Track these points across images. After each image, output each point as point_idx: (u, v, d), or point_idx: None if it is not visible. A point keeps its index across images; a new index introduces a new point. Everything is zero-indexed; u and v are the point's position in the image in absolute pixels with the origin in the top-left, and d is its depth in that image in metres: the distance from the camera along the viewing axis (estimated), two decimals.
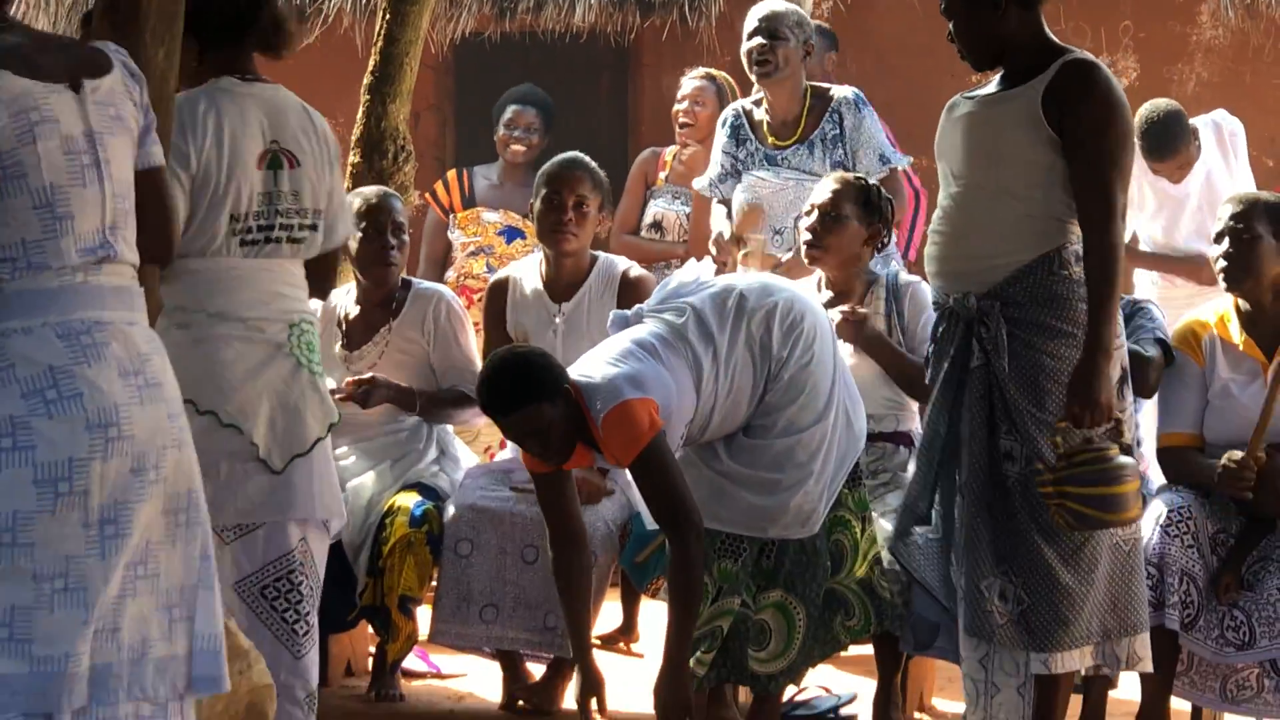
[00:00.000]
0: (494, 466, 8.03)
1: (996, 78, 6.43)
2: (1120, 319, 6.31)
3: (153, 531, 4.56)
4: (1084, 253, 6.17)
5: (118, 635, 4.52)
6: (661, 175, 10.40)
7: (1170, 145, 9.14)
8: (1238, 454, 6.77)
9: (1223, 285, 7.03)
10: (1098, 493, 6.12)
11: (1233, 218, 6.96)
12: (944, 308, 6.40)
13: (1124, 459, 6.20)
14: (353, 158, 9.38)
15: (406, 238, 7.95)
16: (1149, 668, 6.56)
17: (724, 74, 10.22)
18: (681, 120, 10.26)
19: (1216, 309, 7.16)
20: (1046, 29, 6.37)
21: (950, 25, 6.37)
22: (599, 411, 6.51)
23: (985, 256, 6.26)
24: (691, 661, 6.74)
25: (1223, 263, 6.97)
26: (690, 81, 10.32)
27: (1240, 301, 7.03)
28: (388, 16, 9.54)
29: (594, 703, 6.91)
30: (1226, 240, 6.95)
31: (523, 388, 6.53)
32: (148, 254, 4.76)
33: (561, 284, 7.93)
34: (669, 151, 10.45)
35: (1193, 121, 9.57)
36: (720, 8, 12.39)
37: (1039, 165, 6.22)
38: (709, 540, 6.70)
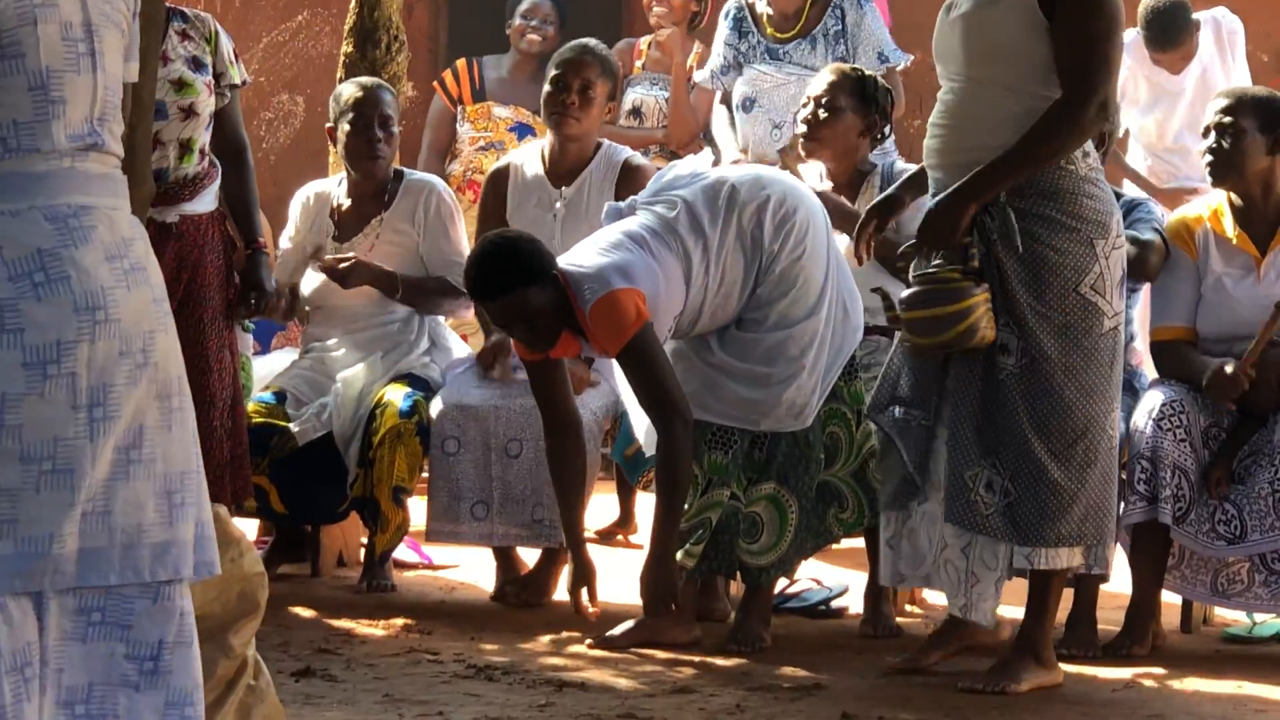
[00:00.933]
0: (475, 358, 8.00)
1: None
2: (1118, 215, 6.31)
3: (146, 416, 4.55)
4: (1043, 114, 6.13)
5: (109, 518, 4.50)
6: (638, 64, 10.37)
7: (1174, 35, 9.09)
8: (1230, 365, 6.76)
9: (1208, 179, 7.02)
10: (930, 314, 6.16)
11: (1220, 111, 6.95)
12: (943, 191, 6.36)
13: (964, 281, 6.19)
14: (345, 47, 9.35)
15: (396, 130, 7.91)
16: (1108, 571, 6.59)
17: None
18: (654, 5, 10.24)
19: (1210, 203, 7.15)
20: None
21: None
22: (587, 300, 6.51)
23: (989, 149, 6.19)
24: (681, 553, 6.77)
25: (1209, 157, 6.96)
26: None
27: (1233, 196, 7.01)
28: None
29: (584, 592, 6.93)
30: (1213, 135, 6.94)
31: (510, 271, 6.54)
32: None
33: (564, 169, 7.90)
34: (644, 41, 10.43)
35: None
36: None
37: (1037, 59, 6.18)
38: (699, 432, 6.71)
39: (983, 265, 6.21)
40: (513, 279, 6.52)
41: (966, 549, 6.36)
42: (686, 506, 6.78)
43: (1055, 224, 6.19)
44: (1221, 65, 9.43)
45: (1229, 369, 6.77)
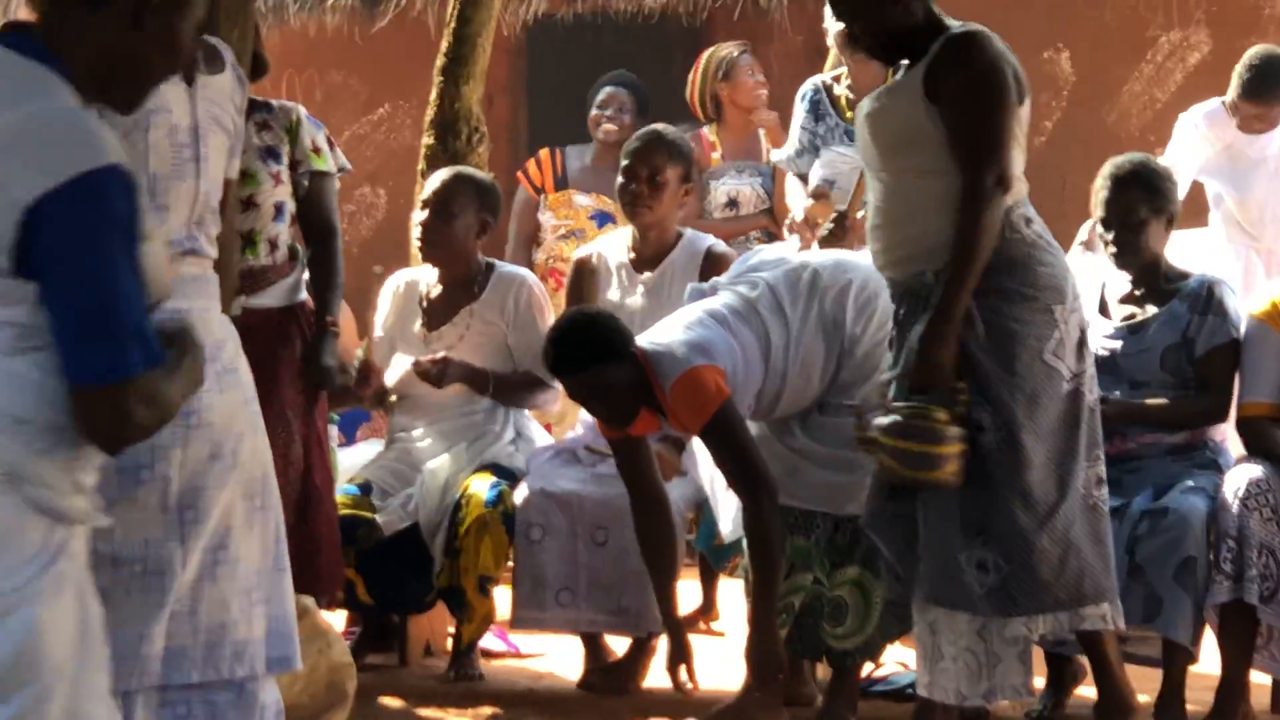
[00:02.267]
0: (562, 444, 8.01)
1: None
2: (1072, 278, 6.30)
3: (232, 517, 4.59)
4: (956, 214, 6.10)
5: (194, 618, 4.54)
6: (714, 155, 10.40)
7: (1270, 85, 9.02)
8: None
9: None
10: (908, 448, 6.07)
11: None
12: (901, 291, 6.34)
13: (949, 426, 6.11)
14: (426, 139, 9.40)
15: (463, 219, 7.86)
16: (1121, 627, 6.49)
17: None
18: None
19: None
20: (936, 9, 6.34)
21: (845, 28, 6.36)
22: (667, 377, 6.56)
23: (931, 234, 6.17)
24: None
25: None
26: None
27: None
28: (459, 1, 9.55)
29: (683, 671, 6.95)
30: None
31: (588, 347, 6.61)
32: None
33: (646, 256, 7.93)
34: (708, 130, 10.48)
35: None
36: None
37: (937, 142, 6.17)
38: (782, 516, 6.71)
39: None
40: (590, 356, 6.58)
41: (983, 631, 6.31)
42: None
43: (1014, 295, 6.16)
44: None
45: None
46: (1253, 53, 9.12)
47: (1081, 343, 6.28)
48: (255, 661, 4.63)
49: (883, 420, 6.11)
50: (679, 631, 7.04)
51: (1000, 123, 6.17)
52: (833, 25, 8.80)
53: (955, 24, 6.30)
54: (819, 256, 7.23)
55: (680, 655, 7.01)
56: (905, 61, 6.35)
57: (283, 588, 4.72)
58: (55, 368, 3.42)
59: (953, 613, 6.27)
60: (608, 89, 10.76)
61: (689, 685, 7.01)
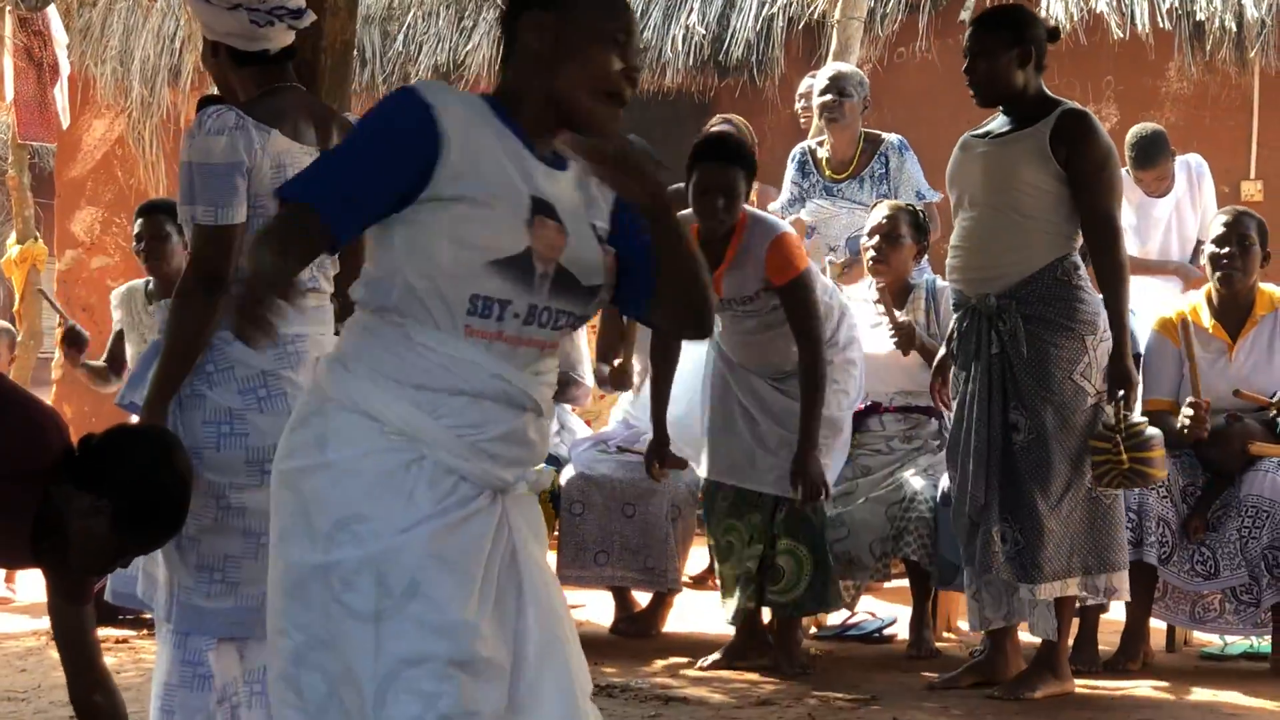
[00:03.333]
0: (598, 437, 8.01)
1: (997, 120, 6.41)
2: (1104, 314, 6.30)
3: None
4: (1097, 269, 6.24)
5: None
6: None
7: (1154, 155, 9.01)
8: (1189, 407, 6.76)
9: (1216, 280, 7.00)
10: (1151, 456, 6.16)
11: (1230, 225, 6.98)
12: (967, 306, 6.38)
13: (1155, 429, 6.26)
14: None
15: None
16: (1126, 598, 6.61)
17: (740, 119, 10.17)
18: None
19: (1190, 300, 7.16)
20: (1044, 85, 6.35)
21: (968, 63, 6.33)
22: (770, 229, 6.78)
23: (1003, 265, 6.28)
24: (734, 598, 6.88)
25: (1224, 262, 6.95)
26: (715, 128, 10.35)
27: (1213, 294, 6.99)
28: None
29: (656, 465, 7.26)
30: (1231, 246, 6.93)
31: (744, 153, 6.79)
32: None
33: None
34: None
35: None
36: (782, 69, 12.37)
37: (1045, 191, 6.24)
38: (743, 496, 6.80)
39: (997, 359, 6.24)
40: (741, 158, 6.71)
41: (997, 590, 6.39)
42: (733, 561, 6.92)
43: (1055, 325, 6.24)
44: (1192, 200, 9.35)
45: (1189, 410, 6.75)
46: (1133, 131, 9.12)
47: (1105, 366, 6.32)
48: None
49: (1128, 440, 6.16)
50: (662, 426, 7.22)
51: (1121, 187, 6.42)
52: (815, 100, 8.80)
53: (1061, 99, 6.36)
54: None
55: (660, 445, 7.24)
56: (1003, 116, 6.40)
57: None
58: None
59: (991, 574, 6.37)
60: None
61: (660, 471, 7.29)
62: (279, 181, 4.46)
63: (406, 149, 3.19)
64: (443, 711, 3.12)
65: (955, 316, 6.52)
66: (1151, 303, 7.93)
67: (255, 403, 4.48)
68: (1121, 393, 6.19)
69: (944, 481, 6.92)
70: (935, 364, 6.86)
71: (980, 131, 6.48)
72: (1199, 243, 8.89)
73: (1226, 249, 6.93)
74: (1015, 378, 6.25)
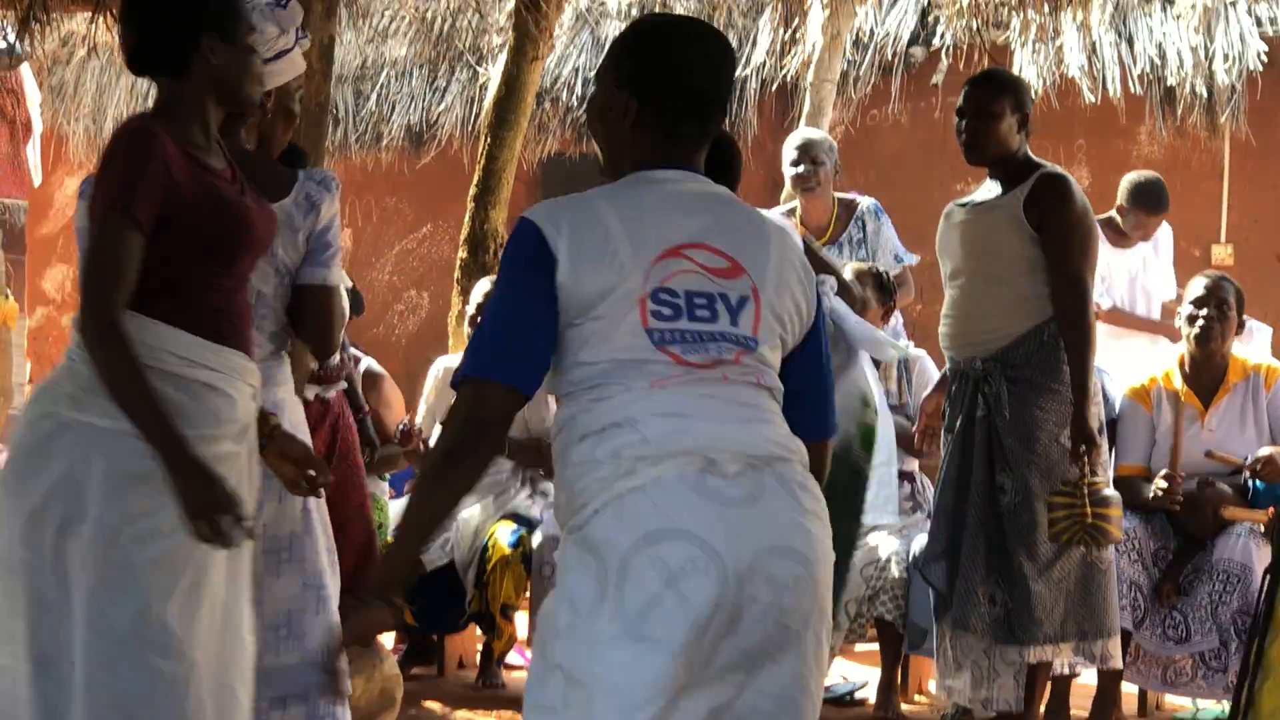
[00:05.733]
0: None
1: (982, 187, 6.45)
2: (1095, 379, 6.37)
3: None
4: (1063, 329, 6.21)
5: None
6: None
7: (1164, 201, 9.05)
8: (1162, 479, 6.78)
9: (1192, 340, 7.02)
10: (1110, 513, 6.18)
11: (1210, 290, 7.00)
12: (956, 371, 6.42)
13: (1114, 491, 6.30)
14: (461, 253, 9.43)
15: None
16: (1119, 665, 6.55)
17: None
18: None
19: (1162, 365, 7.18)
20: (1028, 149, 6.39)
21: (964, 122, 6.36)
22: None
23: (988, 330, 6.31)
24: None
25: (1202, 324, 6.96)
26: None
27: (1186, 359, 7.02)
28: (489, 140, 9.61)
29: None
30: (1210, 308, 6.96)
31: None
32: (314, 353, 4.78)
33: None
34: None
35: None
36: (755, 131, 12.42)
37: (1023, 256, 6.26)
38: None
39: (983, 422, 6.25)
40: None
41: (988, 650, 6.35)
42: None
43: (1040, 388, 6.24)
44: (1156, 256, 9.39)
45: (1162, 482, 6.78)
46: (1142, 176, 9.13)
47: (1100, 431, 6.33)
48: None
49: (1108, 491, 6.22)
50: None
51: (1095, 250, 6.35)
52: (788, 170, 8.81)
53: (1041, 162, 6.38)
54: None
55: None
56: (990, 180, 6.44)
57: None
58: None
59: (966, 633, 6.31)
60: None
61: None
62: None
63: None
64: None
65: (949, 379, 6.54)
66: (1138, 360, 7.96)
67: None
68: (1084, 449, 6.18)
69: (916, 543, 6.93)
70: (920, 416, 6.88)
71: (964, 200, 6.53)
72: (1172, 303, 8.91)
73: (1205, 310, 6.96)
74: (1001, 440, 6.26)
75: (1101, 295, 9.02)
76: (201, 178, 4.09)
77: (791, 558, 3.25)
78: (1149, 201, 9.05)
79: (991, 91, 6.34)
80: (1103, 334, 9.19)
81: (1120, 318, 9.22)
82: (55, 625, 3.91)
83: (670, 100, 3.45)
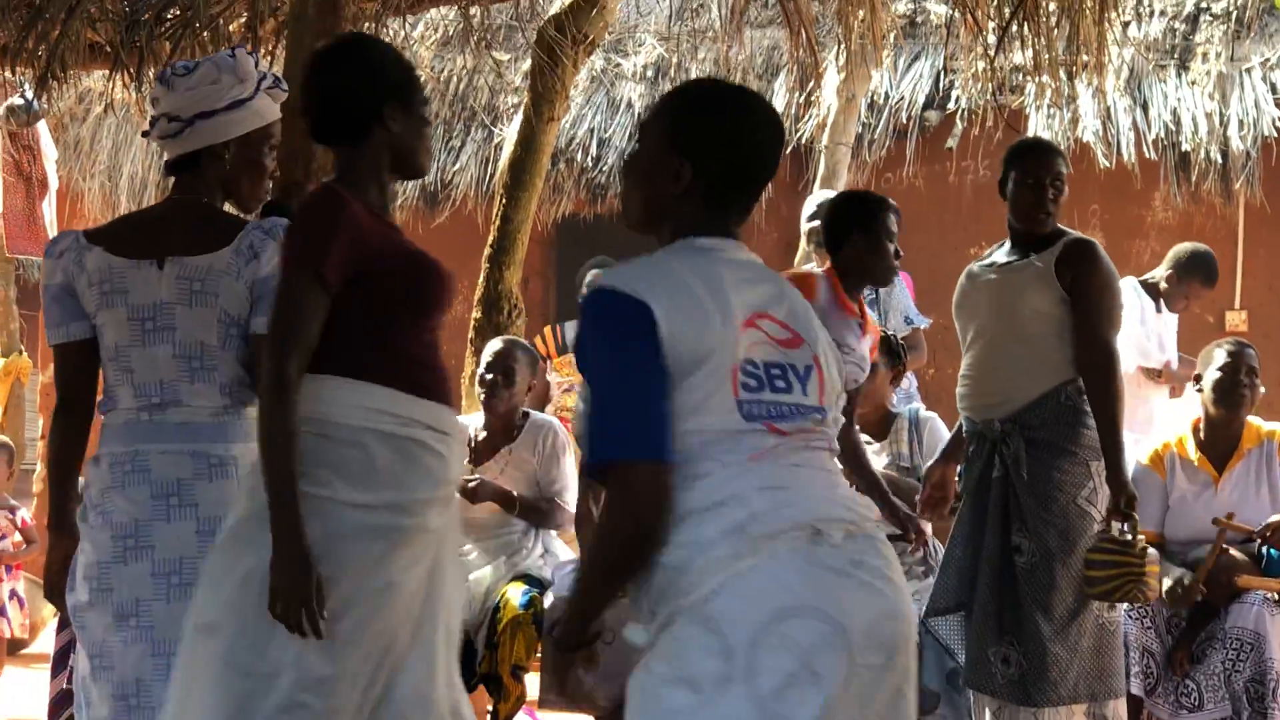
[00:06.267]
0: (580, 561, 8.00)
1: (1000, 249, 6.46)
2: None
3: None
4: (1090, 391, 6.19)
5: None
6: None
7: (1217, 274, 9.09)
8: (1188, 578, 6.76)
9: (1223, 407, 7.06)
10: (1155, 570, 6.16)
11: (1234, 356, 7.07)
12: (973, 432, 6.41)
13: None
14: (475, 313, 9.43)
15: (519, 379, 7.89)
16: None
17: None
18: None
19: (1176, 432, 7.19)
20: None
21: (1039, 187, 6.35)
22: None
23: (1008, 390, 6.31)
24: None
25: (1235, 390, 7.03)
26: None
27: (1201, 425, 7.03)
28: (504, 200, 9.63)
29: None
30: (1239, 374, 7.02)
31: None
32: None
33: None
34: None
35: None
36: (770, 194, 12.38)
37: (1050, 317, 6.27)
38: None
39: (999, 483, 6.24)
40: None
41: (998, 712, 6.33)
42: None
43: (1059, 450, 6.23)
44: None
45: (1186, 582, 6.76)
46: (1199, 246, 9.17)
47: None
48: None
49: (1148, 547, 6.16)
50: None
51: (1120, 315, 6.35)
52: (805, 225, 8.83)
53: (1066, 229, 6.40)
54: None
55: None
56: (1009, 243, 6.46)
57: None
58: None
59: (980, 694, 6.29)
60: (593, 272, 10.77)
61: None
62: (101, 298, 4.68)
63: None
64: None
65: (967, 439, 6.54)
66: (1171, 419, 7.99)
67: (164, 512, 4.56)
68: (1124, 503, 6.14)
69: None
70: (925, 484, 6.85)
71: (986, 261, 6.53)
72: (1184, 368, 8.91)
73: (1238, 377, 6.99)
74: (1018, 501, 6.25)
75: (1155, 357, 9.06)
76: (390, 235, 4.22)
77: (898, 620, 3.33)
78: (1205, 274, 9.09)
79: (1059, 158, 6.40)
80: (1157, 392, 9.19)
81: (1172, 375, 9.22)
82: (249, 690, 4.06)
83: (728, 171, 3.47)
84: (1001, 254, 6.49)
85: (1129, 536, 6.09)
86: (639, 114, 12.87)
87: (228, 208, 4.84)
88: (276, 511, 3.97)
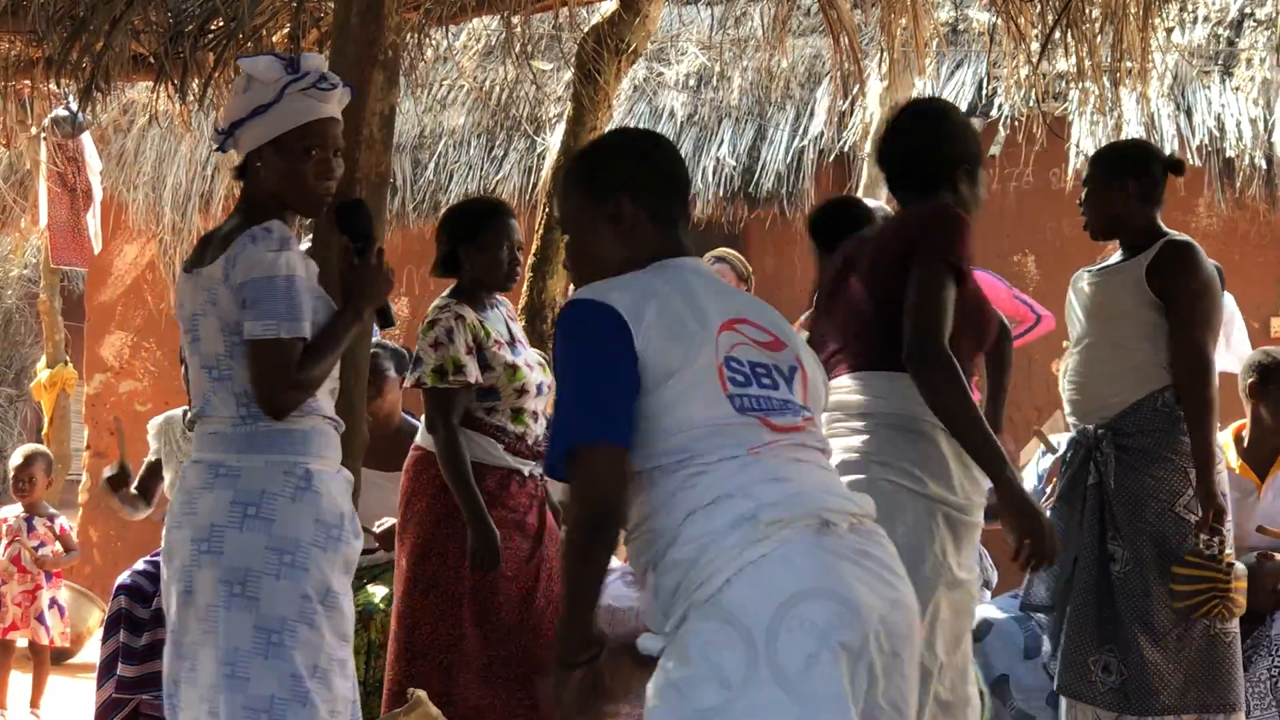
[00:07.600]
0: (625, 569, 7.98)
1: (1114, 255, 6.44)
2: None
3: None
4: (1183, 398, 6.13)
5: None
6: None
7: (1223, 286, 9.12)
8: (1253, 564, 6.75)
9: (1258, 414, 7.16)
10: (1241, 585, 6.13)
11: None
12: (1073, 438, 6.40)
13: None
14: (520, 322, 9.44)
15: None
16: None
17: (734, 252, 10.22)
18: None
19: (1219, 440, 7.16)
20: (1158, 218, 6.39)
21: (1084, 196, 6.40)
22: None
23: (1104, 396, 6.28)
24: None
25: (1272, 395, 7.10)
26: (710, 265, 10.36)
27: (1244, 432, 7.02)
28: (546, 210, 9.65)
29: None
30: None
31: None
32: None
33: None
34: None
35: None
36: (812, 201, 12.43)
37: (1144, 323, 6.22)
38: None
39: (1094, 489, 6.22)
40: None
41: (1067, 709, 6.31)
42: None
43: (1154, 456, 6.17)
44: (1226, 337, 9.38)
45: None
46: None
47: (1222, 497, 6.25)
48: None
49: (1236, 562, 6.14)
50: None
51: (1218, 319, 6.30)
52: None
53: (1169, 231, 6.36)
54: None
55: None
56: (1116, 243, 6.44)
57: None
58: None
59: (1077, 703, 6.28)
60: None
61: None
62: (178, 308, 4.82)
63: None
64: None
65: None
66: None
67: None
68: (1213, 516, 6.07)
69: (980, 613, 6.89)
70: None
71: (1094, 267, 6.52)
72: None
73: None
74: (1112, 508, 6.23)
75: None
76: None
77: (905, 608, 3.43)
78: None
79: (1096, 164, 6.39)
80: None
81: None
82: None
83: (659, 181, 3.71)
84: (1113, 260, 6.47)
85: (1215, 551, 6.05)
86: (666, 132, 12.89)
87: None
88: (986, 460, 4.64)
